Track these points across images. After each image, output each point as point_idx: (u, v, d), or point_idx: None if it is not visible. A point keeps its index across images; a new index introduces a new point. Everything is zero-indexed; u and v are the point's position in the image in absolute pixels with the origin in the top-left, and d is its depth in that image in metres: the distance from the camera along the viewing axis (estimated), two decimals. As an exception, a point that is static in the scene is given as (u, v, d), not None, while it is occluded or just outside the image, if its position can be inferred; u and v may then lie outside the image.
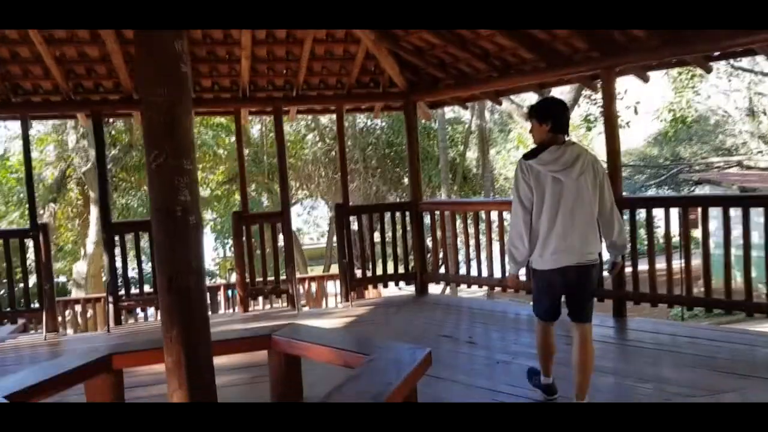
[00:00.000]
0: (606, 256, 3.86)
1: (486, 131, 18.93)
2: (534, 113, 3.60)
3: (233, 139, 17.38)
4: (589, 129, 16.23)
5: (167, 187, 2.65)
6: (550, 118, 3.49)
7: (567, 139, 3.52)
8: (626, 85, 15.21)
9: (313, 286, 9.88)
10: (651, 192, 28.77)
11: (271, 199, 17.08)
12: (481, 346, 5.15)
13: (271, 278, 7.15)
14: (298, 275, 9.39)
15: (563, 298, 3.64)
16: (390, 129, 17.50)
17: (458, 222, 7.17)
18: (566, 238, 3.39)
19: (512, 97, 11.76)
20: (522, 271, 3.83)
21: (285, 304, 7.28)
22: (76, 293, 13.19)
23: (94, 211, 12.80)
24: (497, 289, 7.16)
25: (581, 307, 3.55)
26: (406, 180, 18.80)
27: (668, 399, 3.70)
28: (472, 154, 22.09)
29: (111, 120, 14.18)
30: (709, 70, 6.23)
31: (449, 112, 19.15)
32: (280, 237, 7.27)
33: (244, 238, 6.95)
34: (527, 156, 3.52)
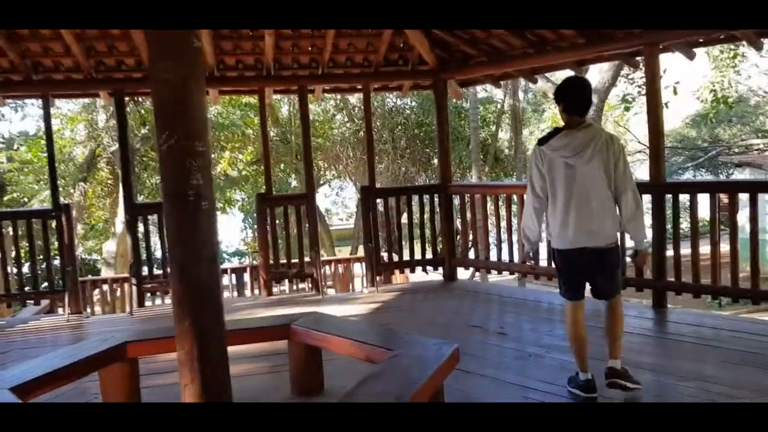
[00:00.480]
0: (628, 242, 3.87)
1: (519, 111, 18.49)
2: (554, 93, 3.62)
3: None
4: (627, 109, 15.69)
5: (179, 170, 2.50)
6: (563, 100, 3.50)
7: (584, 120, 3.48)
8: (666, 63, 14.68)
9: (340, 268, 9.75)
10: (688, 175, 28.03)
11: (299, 180, 16.94)
12: (511, 337, 4.93)
13: (295, 260, 6.99)
14: (324, 257, 9.26)
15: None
16: (420, 108, 17.17)
17: (489, 205, 6.91)
18: (582, 223, 3.41)
19: (547, 75, 11.36)
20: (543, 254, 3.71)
21: (309, 288, 7.13)
22: (105, 272, 13.29)
23: (122, 190, 12.80)
24: (529, 275, 6.92)
25: (603, 288, 3.57)
26: (435, 161, 18.52)
27: (712, 399, 3.45)
28: (504, 135, 21.67)
29: (140, 98, 14.17)
30: (760, 47, 5.84)
31: (481, 91, 18.76)
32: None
33: (268, 221, 6.81)
34: (541, 141, 3.55)
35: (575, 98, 3.48)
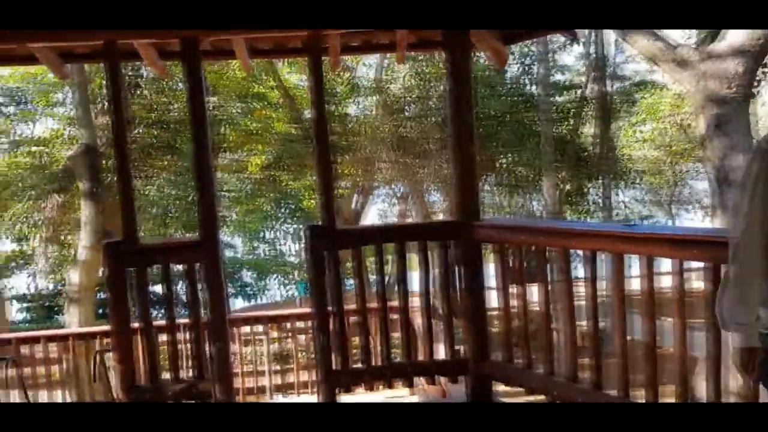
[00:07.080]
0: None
1: (608, 99, 14.60)
2: None
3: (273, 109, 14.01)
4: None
5: None
6: None
7: None
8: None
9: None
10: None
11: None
12: None
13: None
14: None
15: None
16: (485, 89, 13.22)
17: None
18: None
19: (657, 30, 7.17)
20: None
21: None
22: (72, 311, 10.33)
23: (85, 208, 9.99)
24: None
25: None
26: (498, 163, 14.84)
27: None
28: (588, 130, 17.80)
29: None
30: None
31: (556, 73, 15.02)
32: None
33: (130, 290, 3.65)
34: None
35: None
